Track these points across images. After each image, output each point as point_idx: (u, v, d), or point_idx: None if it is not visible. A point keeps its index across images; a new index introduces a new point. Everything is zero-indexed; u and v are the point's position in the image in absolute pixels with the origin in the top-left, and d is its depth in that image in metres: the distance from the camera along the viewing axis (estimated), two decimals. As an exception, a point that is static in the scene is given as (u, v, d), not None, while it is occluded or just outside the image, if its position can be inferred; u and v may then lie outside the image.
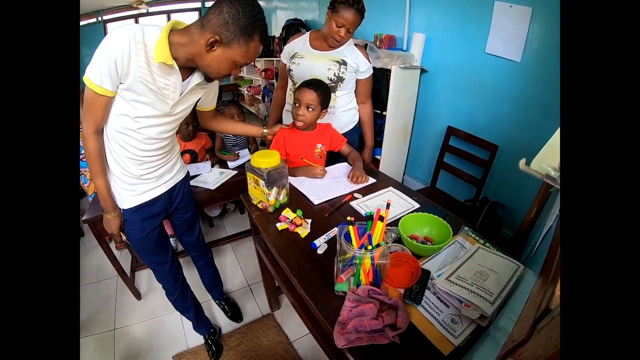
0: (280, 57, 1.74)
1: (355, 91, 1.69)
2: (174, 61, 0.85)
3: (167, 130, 1.02)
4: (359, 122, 1.77)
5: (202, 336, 1.55)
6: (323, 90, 1.35)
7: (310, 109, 1.33)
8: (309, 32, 1.63)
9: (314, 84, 1.34)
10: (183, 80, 0.93)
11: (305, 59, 1.57)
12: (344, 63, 1.54)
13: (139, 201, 1.08)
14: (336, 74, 1.55)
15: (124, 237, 1.13)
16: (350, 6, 1.35)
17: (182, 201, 1.26)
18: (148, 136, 0.97)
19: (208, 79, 0.97)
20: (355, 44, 1.60)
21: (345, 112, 1.67)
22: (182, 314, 1.48)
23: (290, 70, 1.61)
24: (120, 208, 1.08)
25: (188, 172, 1.31)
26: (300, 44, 1.61)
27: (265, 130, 1.38)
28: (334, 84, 1.57)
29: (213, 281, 1.64)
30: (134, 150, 0.97)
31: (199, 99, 1.10)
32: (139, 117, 0.91)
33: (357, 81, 1.64)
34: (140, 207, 1.09)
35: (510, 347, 0.39)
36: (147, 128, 0.95)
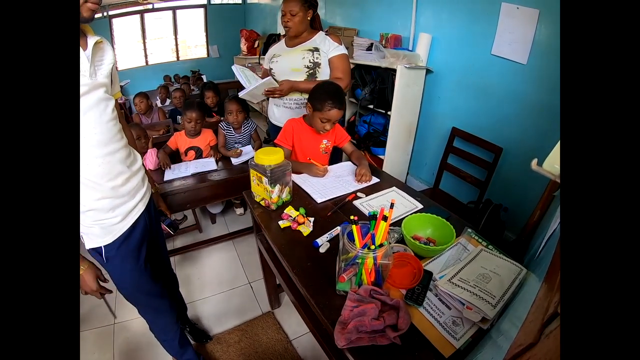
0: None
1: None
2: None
3: (107, 112, 0.89)
4: None
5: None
6: (344, 102, 1.37)
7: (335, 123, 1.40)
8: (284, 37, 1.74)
9: (339, 101, 1.31)
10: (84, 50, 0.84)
11: (282, 57, 1.69)
12: (317, 50, 1.62)
13: (124, 228, 0.96)
14: (311, 61, 1.62)
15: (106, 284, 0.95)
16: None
17: (155, 222, 1.16)
18: (94, 121, 0.85)
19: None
20: (326, 32, 1.67)
21: None
22: (182, 357, 1.34)
23: (271, 69, 1.72)
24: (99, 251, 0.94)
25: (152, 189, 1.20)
26: (277, 47, 1.75)
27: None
28: (312, 71, 1.65)
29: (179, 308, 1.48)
30: (94, 152, 0.86)
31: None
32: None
33: (330, 60, 1.64)
34: (125, 237, 0.97)
35: (517, 352, 0.38)
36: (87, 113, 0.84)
